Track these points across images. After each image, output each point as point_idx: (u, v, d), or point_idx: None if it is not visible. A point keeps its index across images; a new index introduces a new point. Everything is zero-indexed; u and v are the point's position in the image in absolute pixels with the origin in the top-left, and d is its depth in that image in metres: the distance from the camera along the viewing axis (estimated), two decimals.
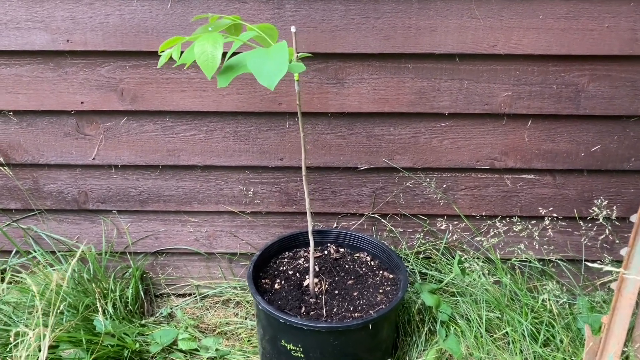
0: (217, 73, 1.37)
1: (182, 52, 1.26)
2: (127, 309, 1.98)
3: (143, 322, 2.00)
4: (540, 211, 1.94)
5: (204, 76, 1.80)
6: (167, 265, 2.11)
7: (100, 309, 1.83)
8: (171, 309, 2.09)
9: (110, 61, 1.79)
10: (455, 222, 1.99)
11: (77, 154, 1.91)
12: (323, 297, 1.70)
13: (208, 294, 2.12)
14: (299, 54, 1.42)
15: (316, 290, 1.73)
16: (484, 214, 1.97)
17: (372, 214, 1.98)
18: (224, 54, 1.31)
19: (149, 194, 1.98)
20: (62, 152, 1.91)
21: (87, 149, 1.91)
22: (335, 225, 2.02)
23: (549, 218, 1.95)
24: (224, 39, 1.31)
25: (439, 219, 1.99)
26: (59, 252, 2.04)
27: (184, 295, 2.15)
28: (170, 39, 1.25)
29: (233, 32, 1.48)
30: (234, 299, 2.10)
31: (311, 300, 1.68)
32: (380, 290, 1.72)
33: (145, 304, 2.08)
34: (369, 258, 1.87)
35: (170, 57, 1.28)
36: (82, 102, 1.83)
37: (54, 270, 1.97)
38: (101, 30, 1.73)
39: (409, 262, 1.99)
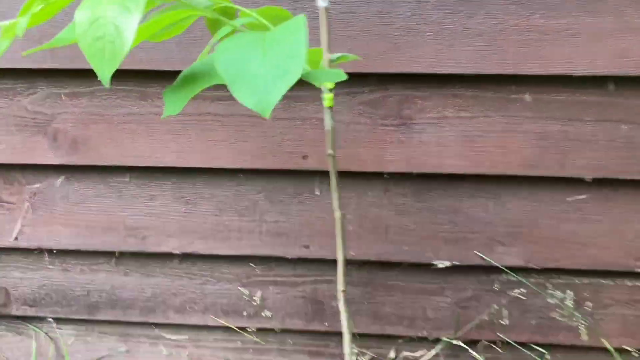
0: (169, 89, 0.68)
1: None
2: None
3: None
4: None
5: (185, 112, 1.11)
6: None
7: None
8: None
9: (36, 86, 1.13)
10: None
11: None
12: None
13: None
14: (333, 57, 0.72)
15: None
16: None
17: (455, 339, 1.21)
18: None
19: (101, 295, 1.26)
20: None
21: (5, 224, 1.22)
22: (393, 355, 1.25)
23: None
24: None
25: (567, 352, 1.20)
26: None
27: None
28: None
29: (217, 23, 0.80)
30: None
31: None
32: None
33: None
34: None
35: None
36: None
37: None
38: None
39: None
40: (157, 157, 1.14)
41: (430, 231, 1.14)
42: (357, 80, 1.06)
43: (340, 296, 0.79)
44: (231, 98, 1.09)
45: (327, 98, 0.72)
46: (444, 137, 1.08)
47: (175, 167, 1.15)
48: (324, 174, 1.12)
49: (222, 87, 1.09)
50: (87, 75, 1.10)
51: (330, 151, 0.74)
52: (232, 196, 1.16)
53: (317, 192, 1.14)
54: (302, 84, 1.10)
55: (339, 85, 1.07)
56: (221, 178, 1.16)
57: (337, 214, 0.76)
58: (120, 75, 1.08)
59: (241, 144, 1.11)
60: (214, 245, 1.19)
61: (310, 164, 1.11)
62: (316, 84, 0.70)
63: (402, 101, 1.07)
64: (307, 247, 1.17)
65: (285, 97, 1.06)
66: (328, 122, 0.74)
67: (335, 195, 0.76)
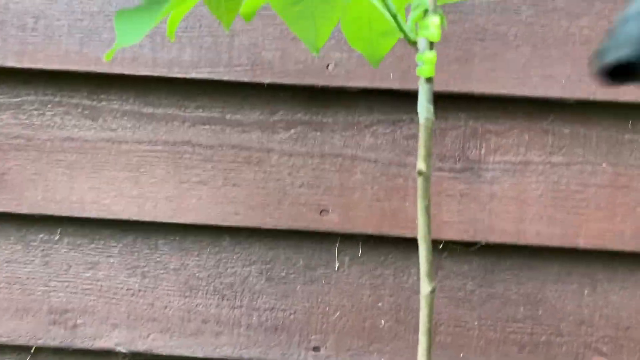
0: None
1: None
2: None
3: None
4: None
5: (151, 139, 0.76)
6: None
7: None
8: None
9: None
10: None
11: None
12: None
13: None
14: None
15: None
16: None
17: None
18: None
19: None
20: None
21: None
22: None
23: None
24: None
25: None
26: None
27: None
28: None
29: None
30: None
31: None
32: None
33: None
34: None
35: None
36: None
37: None
38: None
39: None
40: (104, 205, 0.78)
41: (498, 331, 0.78)
42: (402, 102, 0.74)
43: None
44: (222, 121, 0.76)
45: (427, 59, 0.40)
46: (526, 192, 0.75)
47: (131, 221, 0.78)
48: (349, 238, 0.77)
49: (211, 103, 0.76)
50: (13, 76, 0.76)
51: (421, 165, 0.41)
52: (210, 268, 0.79)
53: (337, 266, 0.78)
54: (327, 100, 0.77)
55: (375, 109, 0.75)
56: (197, 240, 0.79)
57: (425, 289, 0.41)
58: (62, 80, 0.75)
59: (230, 190, 0.76)
60: (180, 342, 0.80)
61: (331, 222, 0.76)
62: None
63: (469, 136, 0.75)
64: (316, 349, 0.79)
65: (298, 121, 0.73)
66: (424, 110, 0.41)
67: (424, 251, 0.42)
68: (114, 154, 0.77)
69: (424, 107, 0.41)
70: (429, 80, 0.41)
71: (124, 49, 0.73)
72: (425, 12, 0.41)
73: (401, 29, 0.41)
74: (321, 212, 0.76)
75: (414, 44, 0.42)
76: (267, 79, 0.73)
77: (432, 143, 0.42)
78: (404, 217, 0.75)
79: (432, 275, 0.43)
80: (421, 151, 0.42)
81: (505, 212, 0.75)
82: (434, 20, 0.40)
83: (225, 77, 0.73)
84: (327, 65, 0.72)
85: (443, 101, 0.74)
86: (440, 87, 0.72)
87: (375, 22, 0.47)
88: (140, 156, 0.76)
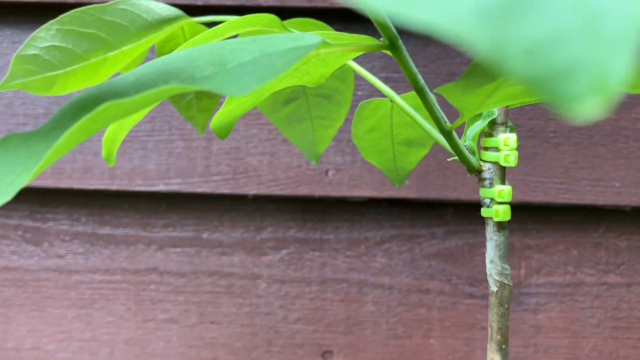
0: None
1: None
2: None
3: None
4: None
5: (108, 266, 0.61)
6: None
7: None
8: None
9: None
10: None
11: None
12: None
13: None
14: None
15: None
16: None
17: None
18: None
19: None
20: None
21: None
22: None
23: None
24: None
25: None
26: None
27: None
28: None
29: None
30: None
31: None
32: None
33: None
34: None
35: None
36: None
37: None
38: None
39: None
40: (47, 352, 0.61)
41: None
42: (419, 214, 0.60)
43: None
44: (197, 242, 0.61)
45: (499, 195, 0.26)
46: (579, 321, 0.60)
47: None
48: None
49: (183, 221, 0.62)
50: None
51: (495, 357, 0.26)
52: None
53: None
54: (326, 212, 0.63)
55: (387, 223, 0.61)
56: None
57: None
58: None
59: (208, 329, 0.60)
60: None
61: None
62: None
63: (513, 249, 0.60)
64: None
65: (291, 239, 0.60)
66: (496, 272, 0.27)
67: None
68: (61, 286, 0.61)
69: (496, 267, 0.27)
70: (502, 227, 0.27)
71: (73, 155, 0.59)
72: (492, 124, 0.28)
73: (459, 153, 0.27)
74: (324, 354, 0.60)
75: (476, 172, 0.28)
76: (252, 190, 0.59)
77: (507, 315, 0.27)
78: (428, 358, 0.59)
79: None
80: (494, 334, 0.27)
81: (555, 347, 0.60)
82: (508, 138, 0.27)
83: (201, 189, 0.59)
84: (327, 171, 0.59)
85: (470, 211, 0.61)
86: (466, 194, 0.59)
87: (399, 128, 0.33)
88: (94, 289, 0.61)
